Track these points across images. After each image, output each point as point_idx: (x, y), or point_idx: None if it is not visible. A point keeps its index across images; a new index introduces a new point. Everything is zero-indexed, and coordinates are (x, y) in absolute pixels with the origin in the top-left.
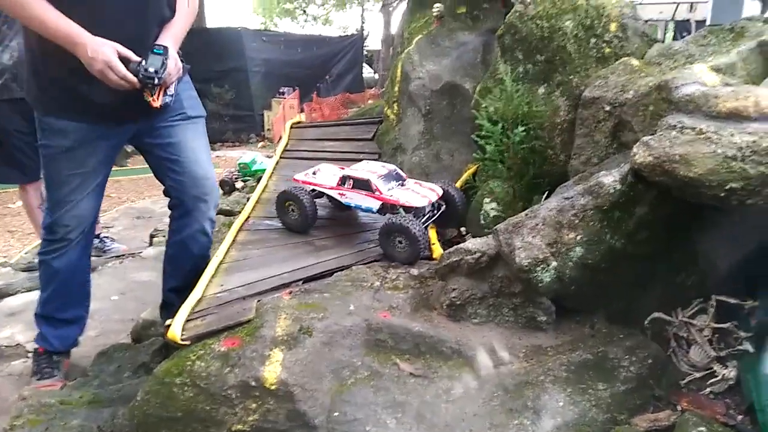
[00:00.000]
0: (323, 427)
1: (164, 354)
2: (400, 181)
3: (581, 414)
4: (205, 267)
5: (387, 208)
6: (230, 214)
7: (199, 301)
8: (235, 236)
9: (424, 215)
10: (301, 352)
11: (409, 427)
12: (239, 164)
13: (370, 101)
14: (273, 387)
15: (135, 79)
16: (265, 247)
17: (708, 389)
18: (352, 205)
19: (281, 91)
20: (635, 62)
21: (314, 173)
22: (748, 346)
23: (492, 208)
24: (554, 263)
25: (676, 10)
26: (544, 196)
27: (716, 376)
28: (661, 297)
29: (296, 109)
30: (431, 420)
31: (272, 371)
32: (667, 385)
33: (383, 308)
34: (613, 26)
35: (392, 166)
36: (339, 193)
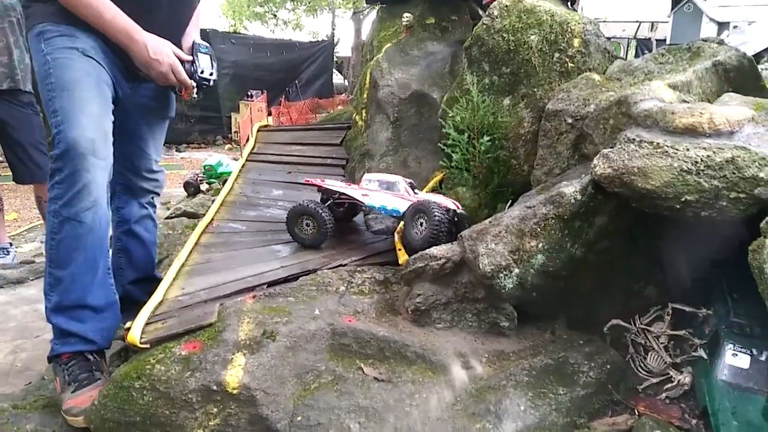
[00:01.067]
0: None
1: (124, 358)
2: (416, 190)
3: (542, 418)
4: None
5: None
6: (194, 216)
7: (160, 304)
8: (198, 239)
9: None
10: (265, 357)
11: (372, 431)
12: (204, 166)
13: (339, 107)
14: (235, 391)
15: (192, 84)
16: (229, 251)
17: (664, 394)
18: (376, 206)
19: (249, 93)
20: (597, 77)
21: (321, 180)
22: (702, 353)
23: None
24: (516, 270)
25: (638, 29)
26: (508, 205)
27: (672, 382)
28: (619, 304)
29: (264, 113)
30: (395, 424)
31: (234, 375)
32: (625, 390)
33: (348, 313)
34: (576, 42)
35: (410, 180)
36: (362, 194)
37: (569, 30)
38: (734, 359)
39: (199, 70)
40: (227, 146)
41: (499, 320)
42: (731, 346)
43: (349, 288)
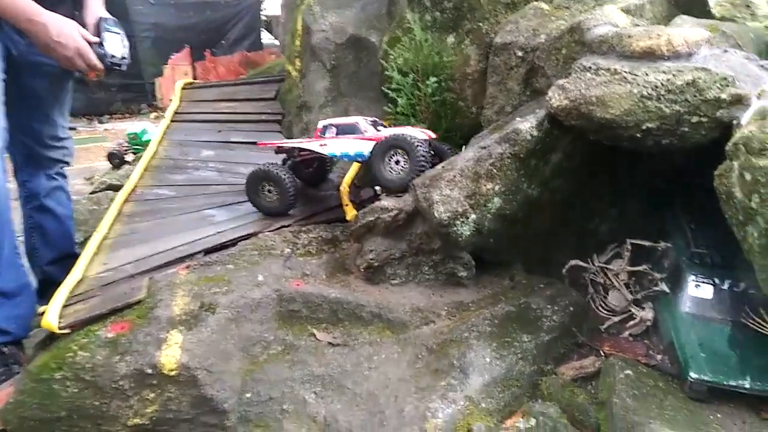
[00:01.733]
0: (235, 411)
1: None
2: (382, 126)
3: (508, 368)
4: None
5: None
6: (120, 189)
7: (79, 282)
8: (121, 208)
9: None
10: (204, 332)
11: (330, 401)
12: (128, 135)
13: (272, 57)
14: (173, 373)
15: (102, 67)
16: (156, 219)
17: (627, 332)
18: (337, 154)
19: (174, 57)
20: (545, 6)
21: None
22: (663, 287)
23: None
24: (473, 216)
25: None
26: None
27: (634, 319)
28: (575, 244)
29: (188, 72)
30: (354, 390)
31: (171, 355)
32: (588, 332)
33: (295, 276)
34: None
35: (373, 118)
36: (320, 144)
37: None
38: (697, 290)
39: (110, 54)
40: (153, 114)
41: (457, 270)
42: (693, 277)
43: (295, 250)
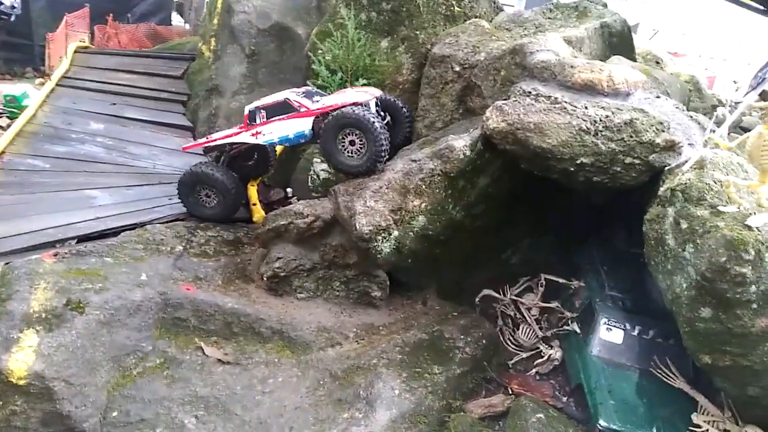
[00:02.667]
0: None
1: None
2: (322, 95)
3: (417, 403)
4: None
5: (320, 124)
6: None
7: None
8: None
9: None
10: (68, 335)
11: (213, 427)
12: (5, 97)
13: (179, 38)
14: (22, 382)
15: None
16: (24, 193)
17: (534, 370)
18: (276, 140)
19: (70, 15)
20: (486, 24)
21: (205, 137)
22: (575, 327)
23: (323, 170)
24: (395, 232)
25: None
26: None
27: (542, 357)
28: (489, 273)
29: (85, 33)
30: (242, 417)
31: (22, 361)
32: (498, 366)
33: (186, 279)
34: None
35: (305, 87)
36: (252, 134)
37: None
38: (608, 334)
39: None
40: (38, 80)
41: (371, 289)
42: (605, 320)
43: (188, 248)
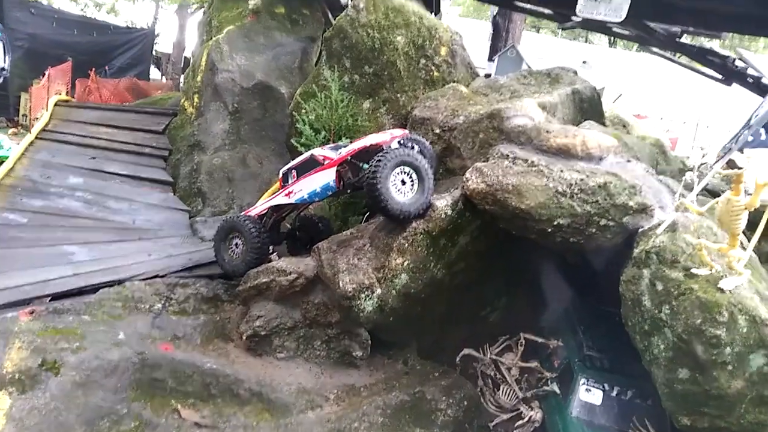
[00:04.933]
0: None
1: None
2: (344, 145)
3: None
4: None
5: (347, 173)
6: None
7: None
8: None
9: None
10: (41, 397)
11: None
12: None
13: (158, 93)
14: None
15: None
16: (0, 248)
17: None
18: (306, 196)
19: (52, 69)
20: (464, 89)
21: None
22: (554, 387)
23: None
24: (379, 290)
25: None
26: (364, 218)
27: (523, 418)
28: (469, 332)
29: (67, 87)
30: None
31: None
32: (479, 428)
33: (165, 338)
34: (443, 50)
35: (335, 144)
36: (286, 194)
37: (437, 37)
38: (588, 395)
39: None
40: (11, 130)
41: (352, 349)
42: (585, 380)
43: (168, 306)
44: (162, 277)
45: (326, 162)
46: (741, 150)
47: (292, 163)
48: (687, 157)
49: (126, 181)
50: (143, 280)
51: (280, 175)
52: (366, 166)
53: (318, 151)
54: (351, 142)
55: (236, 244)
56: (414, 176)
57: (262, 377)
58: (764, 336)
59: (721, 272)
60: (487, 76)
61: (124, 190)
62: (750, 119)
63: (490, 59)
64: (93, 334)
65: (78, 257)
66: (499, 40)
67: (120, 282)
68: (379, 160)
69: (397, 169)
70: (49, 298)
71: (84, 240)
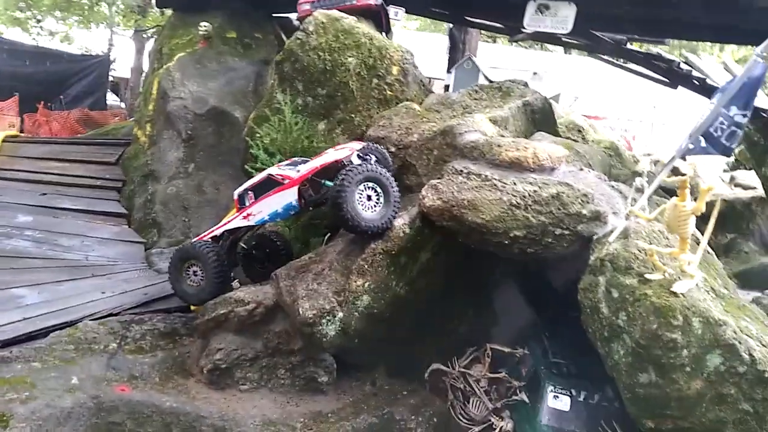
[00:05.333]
0: None
1: None
2: (306, 162)
3: None
4: None
5: (308, 191)
6: None
7: None
8: None
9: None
10: None
11: None
12: None
13: (116, 119)
14: None
15: None
16: None
17: None
18: (266, 217)
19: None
20: (416, 107)
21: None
22: (523, 397)
23: None
24: (340, 314)
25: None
26: (325, 239)
27: (494, 429)
28: (437, 346)
29: (15, 125)
30: None
31: None
32: None
33: (121, 379)
34: (395, 70)
35: (291, 159)
36: (244, 216)
37: (388, 56)
38: (556, 402)
39: None
40: None
41: (317, 375)
42: (552, 387)
43: (123, 345)
44: (116, 315)
45: (286, 181)
46: (683, 158)
47: (248, 183)
48: (636, 160)
49: (78, 216)
50: (97, 319)
51: (236, 197)
52: (327, 182)
53: (275, 170)
54: (307, 159)
55: (194, 272)
56: (379, 190)
57: (225, 412)
58: (718, 336)
59: (675, 275)
60: (447, 87)
61: (76, 226)
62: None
63: (449, 71)
64: (44, 381)
65: (27, 300)
66: (457, 52)
67: (72, 323)
68: (344, 178)
69: (362, 186)
70: None
71: (34, 281)
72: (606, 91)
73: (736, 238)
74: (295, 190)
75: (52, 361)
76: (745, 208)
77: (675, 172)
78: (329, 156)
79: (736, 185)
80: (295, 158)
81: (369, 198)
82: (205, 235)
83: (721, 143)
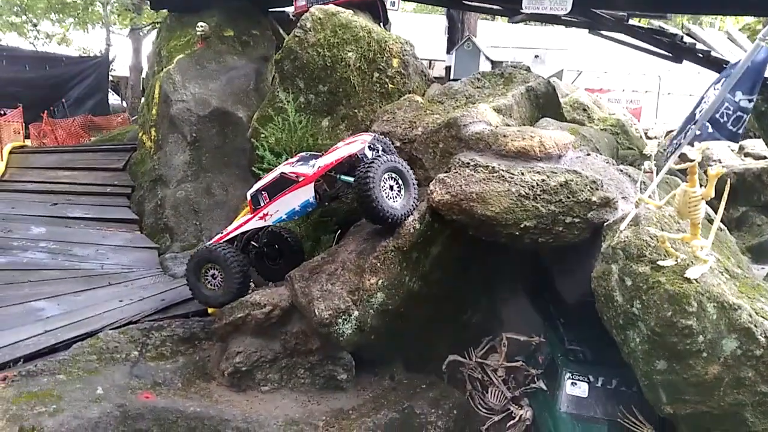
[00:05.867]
0: None
1: None
2: (317, 157)
3: None
4: None
5: (322, 187)
6: None
7: None
8: None
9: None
10: None
11: None
12: None
13: (119, 126)
14: None
15: None
16: None
17: None
18: (284, 216)
19: (1, 111)
20: (419, 99)
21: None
22: (541, 384)
23: None
24: (356, 313)
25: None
26: (335, 237)
27: (514, 418)
28: (453, 338)
29: (20, 132)
30: None
31: None
32: None
33: (145, 386)
34: (395, 62)
35: (299, 155)
36: (260, 217)
37: (388, 49)
38: (574, 388)
39: None
40: None
41: (336, 373)
42: (569, 374)
43: (144, 352)
44: (136, 322)
45: (301, 179)
46: (691, 144)
47: (260, 183)
48: (644, 134)
49: (90, 224)
50: (117, 328)
51: (249, 198)
52: (343, 177)
53: (288, 169)
54: (314, 153)
55: (213, 275)
56: (400, 180)
57: (248, 414)
58: (734, 320)
59: (687, 260)
60: (448, 68)
61: (89, 235)
62: (695, 114)
63: (449, 52)
64: (70, 393)
65: (48, 312)
66: (456, 32)
67: (93, 333)
68: (368, 170)
69: (385, 175)
70: (21, 360)
71: (52, 293)
72: (609, 63)
73: (748, 211)
74: (311, 187)
75: (76, 372)
76: (756, 180)
77: (683, 159)
78: (343, 150)
79: (746, 155)
80: (302, 153)
81: (391, 188)
82: (221, 238)
83: (728, 128)
